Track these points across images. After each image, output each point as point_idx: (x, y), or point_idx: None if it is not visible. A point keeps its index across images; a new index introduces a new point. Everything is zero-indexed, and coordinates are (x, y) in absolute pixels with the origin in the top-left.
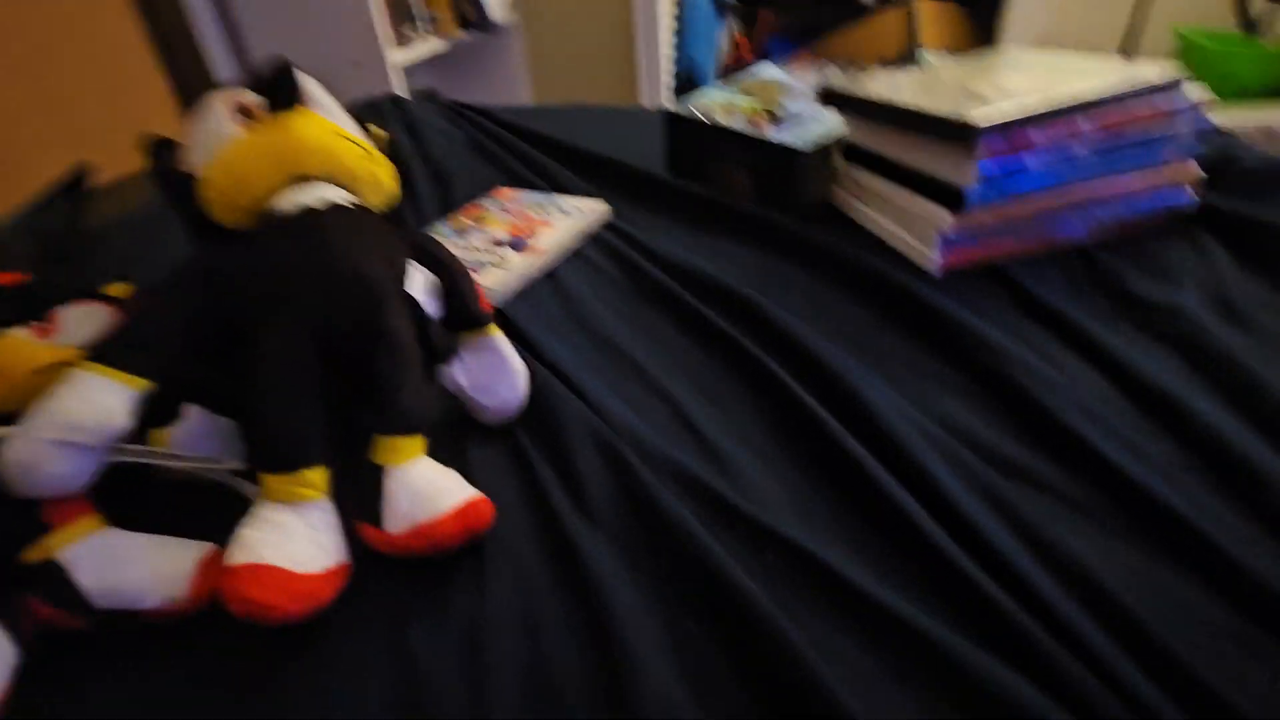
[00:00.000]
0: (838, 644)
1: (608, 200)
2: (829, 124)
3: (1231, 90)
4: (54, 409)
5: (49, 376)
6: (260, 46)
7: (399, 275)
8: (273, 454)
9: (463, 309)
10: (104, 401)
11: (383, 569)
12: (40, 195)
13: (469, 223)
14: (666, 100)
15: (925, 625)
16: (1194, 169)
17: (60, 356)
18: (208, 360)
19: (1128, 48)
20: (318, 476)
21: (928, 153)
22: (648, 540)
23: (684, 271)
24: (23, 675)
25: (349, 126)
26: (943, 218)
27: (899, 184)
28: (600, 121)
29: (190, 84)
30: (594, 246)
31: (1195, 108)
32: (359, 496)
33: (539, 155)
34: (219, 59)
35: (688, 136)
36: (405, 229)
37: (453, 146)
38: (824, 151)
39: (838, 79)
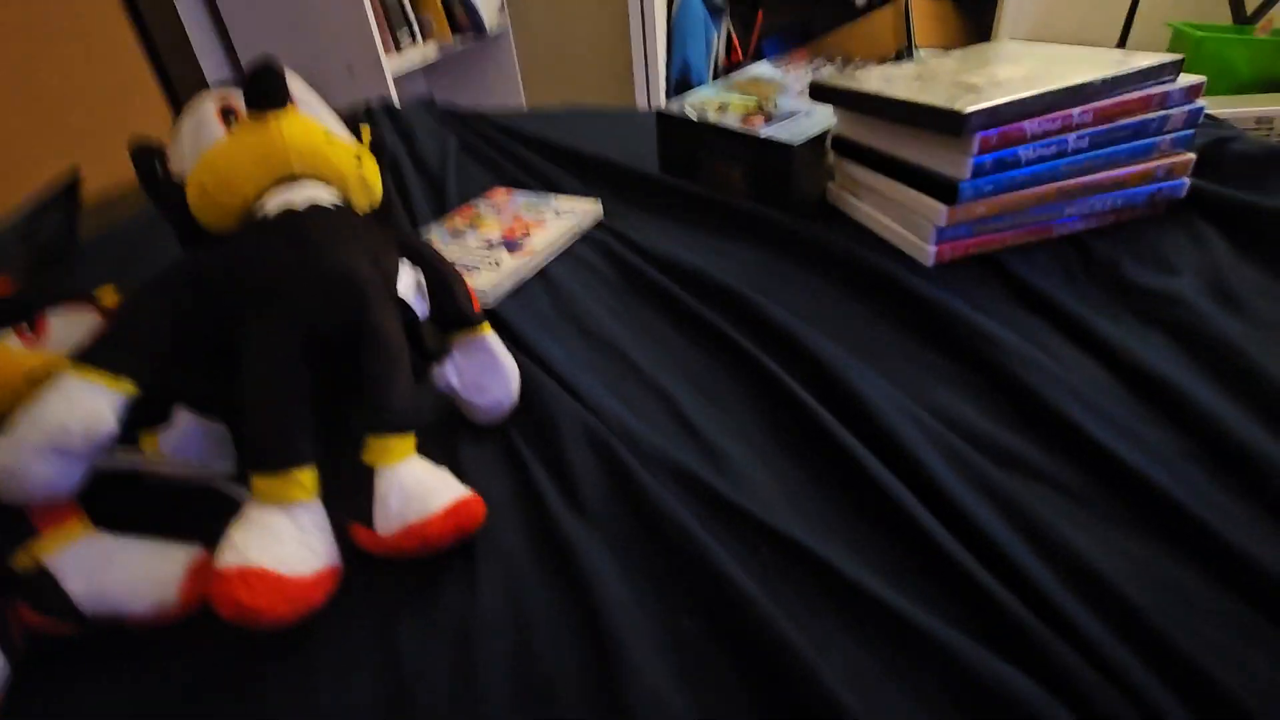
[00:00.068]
0: (835, 640)
1: (601, 199)
2: (822, 120)
3: (1226, 82)
4: (40, 414)
5: (37, 383)
6: (254, 53)
7: (388, 274)
8: (262, 453)
9: (453, 308)
10: (91, 405)
11: (372, 568)
12: (33, 201)
13: (463, 225)
14: (661, 102)
15: (922, 620)
16: (1188, 156)
17: (48, 362)
18: (196, 362)
19: (1122, 43)
20: (308, 477)
21: (921, 145)
22: (642, 537)
23: (678, 268)
24: (12, 681)
25: (335, 126)
26: (936, 210)
27: (892, 177)
28: (594, 123)
29: (184, 90)
30: (588, 245)
31: (1188, 93)
32: (350, 497)
33: (532, 156)
34: (213, 65)
35: (681, 135)
36: (394, 229)
37: (446, 150)
38: (817, 147)
39: (831, 75)
